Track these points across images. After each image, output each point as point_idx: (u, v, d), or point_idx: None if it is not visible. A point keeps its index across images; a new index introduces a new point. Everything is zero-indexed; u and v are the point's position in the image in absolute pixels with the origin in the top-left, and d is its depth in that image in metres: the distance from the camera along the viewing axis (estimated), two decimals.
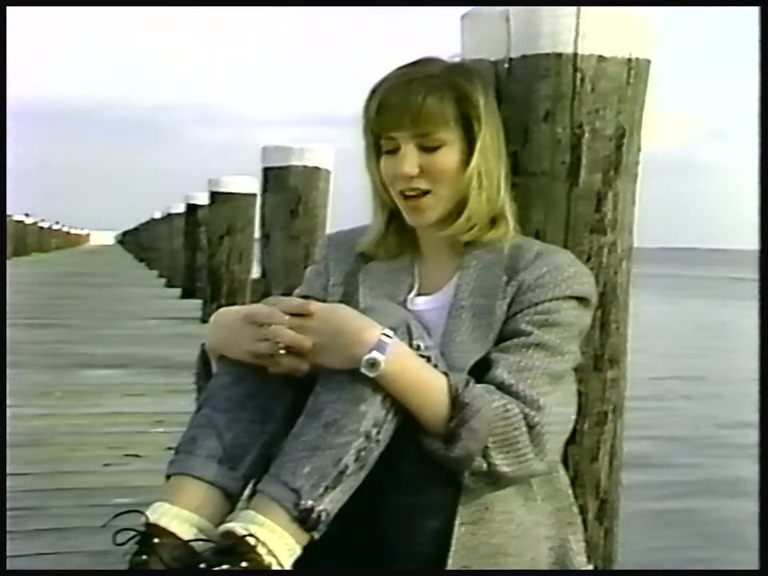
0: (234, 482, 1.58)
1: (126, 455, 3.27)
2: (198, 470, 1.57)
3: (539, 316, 1.65)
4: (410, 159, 1.70)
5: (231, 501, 1.58)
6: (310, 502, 1.48)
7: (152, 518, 1.52)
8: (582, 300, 1.70)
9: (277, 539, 1.46)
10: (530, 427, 1.58)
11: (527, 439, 1.58)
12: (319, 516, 1.48)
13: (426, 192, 1.72)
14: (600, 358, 1.88)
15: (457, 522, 1.58)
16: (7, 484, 2.57)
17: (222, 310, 1.71)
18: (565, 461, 1.80)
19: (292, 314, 1.57)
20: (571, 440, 1.84)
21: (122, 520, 1.52)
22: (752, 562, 1.71)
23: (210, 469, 1.57)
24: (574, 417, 1.71)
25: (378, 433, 1.53)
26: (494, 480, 1.59)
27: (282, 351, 1.56)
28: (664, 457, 6.97)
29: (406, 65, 1.75)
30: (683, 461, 6.95)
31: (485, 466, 1.56)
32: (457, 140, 1.71)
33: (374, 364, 1.51)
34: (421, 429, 1.56)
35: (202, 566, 1.45)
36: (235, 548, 1.45)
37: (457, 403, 1.54)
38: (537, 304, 1.66)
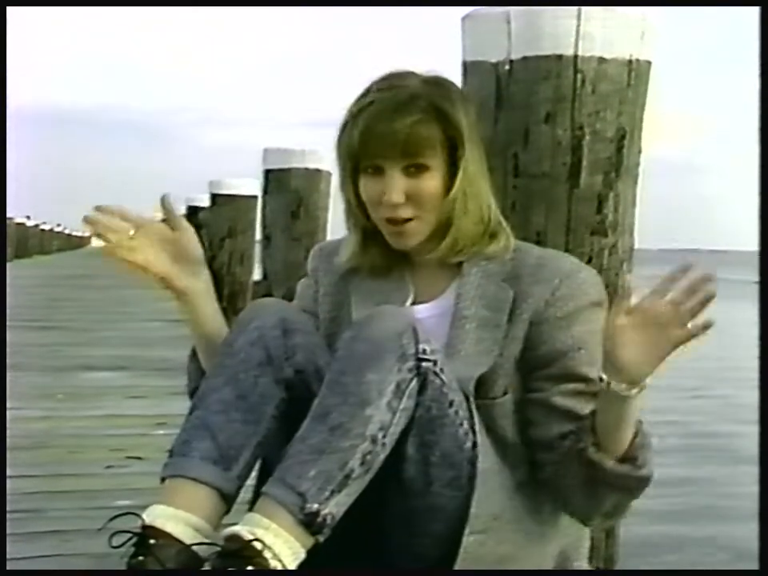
0: (229, 483, 1.58)
1: (128, 457, 3.27)
2: (193, 471, 1.57)
3: (584, 351, 1.64)
4: (397, 187, 1.66)
5: (227, 501, 1.59)
6: (315, 506, 1.47)
7: (147, 520, 1.52)
8: (599, 304, 1.69)
9: (282, 543, 1.46)
10: None
11: None
12: (324, 520, 1.48)
13: (411, 218, 1.68)
14: None
15: (466, 532, 1.57)
16: (8, 487, 2.57)
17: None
18: None
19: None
20: None
21: (121, 523, 1.53)
22: None
23: (205, 470, 1.57)
24: None
25: (384, 436, 1.52)
26: (622, 512, 1.66)
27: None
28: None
29: (379, 81, 1.70)
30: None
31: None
32: (441, 164, 1.67)
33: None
34: (600, 446, 1.57)
35: (208, 567, 1.46)
36: (241, 552, 1.45)
37: (641, 432, 1.59)
38: (563, 321, 1.64)
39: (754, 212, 1.89)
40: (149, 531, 1.52)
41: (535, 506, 1.67)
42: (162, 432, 3.69)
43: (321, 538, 1.49)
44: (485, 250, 1.71)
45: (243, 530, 1.47)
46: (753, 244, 1.93)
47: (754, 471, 1.87)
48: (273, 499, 1.49)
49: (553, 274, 1.67)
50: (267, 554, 1.44)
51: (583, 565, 1.75)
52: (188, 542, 1.52)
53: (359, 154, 1.68)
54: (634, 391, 1.51)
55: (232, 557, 1.45)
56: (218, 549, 1.48)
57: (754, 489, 1.83)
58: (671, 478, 5.97)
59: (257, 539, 1.45)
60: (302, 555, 1.49)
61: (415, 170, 1.66)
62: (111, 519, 1.55)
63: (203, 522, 1.54)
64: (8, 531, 2.28)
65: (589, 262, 1.83)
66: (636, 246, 1.95)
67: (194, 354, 1.78)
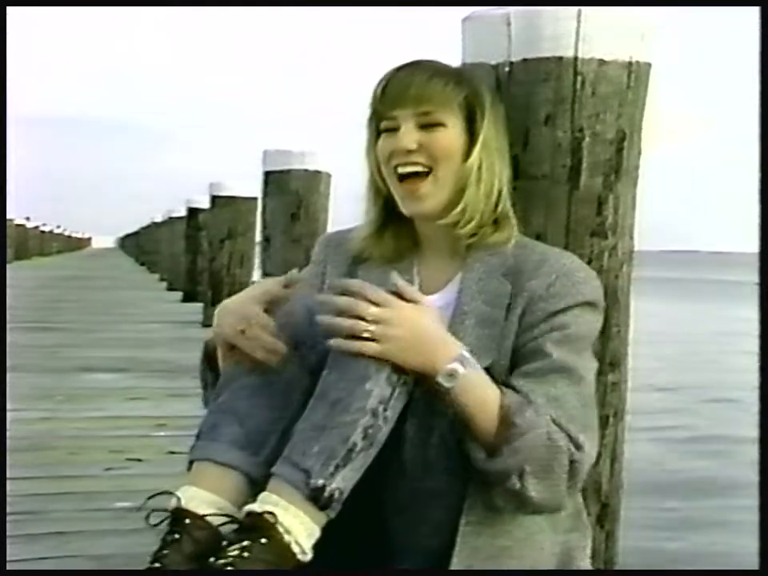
0: (257, 468, 1.60)
1: (128, 459, 3.27)
2: (221, 455, 1.60)
3: (557, 333, 1.64)
4: (409, 135, 1.70)
5: (254, 486, 1.60)
6: (321, 481, 1.50)
7: (183, 502, 1.55)
8: (592, 305, 1.70)
9: (292, 518, 1.49)
10: (572, 463, 1.59)
11: (565, 473, 1.59)
12: (332, 495, 1.50)
13: (426, 174, 1.71)
14: (601, 362, 1.88)
15: (463, 521, 1.59)
16: (8, 488, 2.57)
17: (226, 302, 1.72)
18: None
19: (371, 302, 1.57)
20: None
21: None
22: None
23: (233, 455, 1.60)
24: (597, 449, 1.71)
25: (385, 410, 1.54)
26: (521, 503, 1.59)
27: (365, 334, 1.54)
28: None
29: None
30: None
31: (517, 485, 1.57)
32: (458, 125, 1.71)
33: (452, 375, 1.54)
34: (469, 434, 1.58)
35: (224, 543, 1.48)
36: (254, 524, 1.48)
37: (506, 422, 1.56)
38: (551, 314, 1.65)
39: (755, 213, 1.89)
40: (182, 512, 1.55)
41: None
42: (161, 434, 3.70)
43: (331, 513, 1.51)
44: (487, 239, 1.72)
45: (255, 506, 1.50)
46: (753, 246, 1.93)
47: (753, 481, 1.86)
48: (280, 478, 1.52)
49: (551, 270, 1.68)
50: (280, 528, 1.47)
51: (587, 564, 1.74)
52: (215, 525, 1.54)
53: (379, 107, 1.73)
54: (443, 382, 1.54)
55: (246, 530, 1.48)
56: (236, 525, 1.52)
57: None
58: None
59: (267, 512, 1.48)
60: (316, 533, 1.51)
61: (430, 124, 1.70)
62: (149, 498, 1.58)
63: (231, 505, 1.57)
64: (8, 532, 2.28)
65: (589, 263, 1.83)
66: (636, 248, 1.95)
67: (208, 363, 1.77)
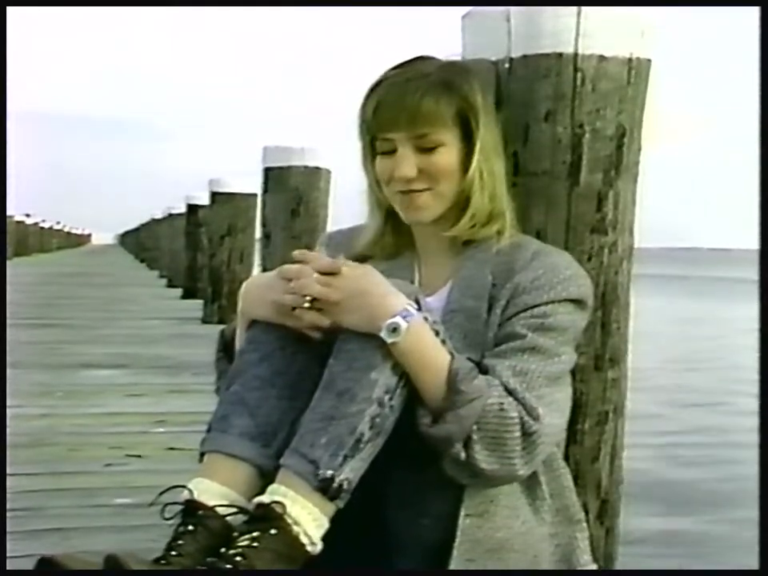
0: (268, 459, 1.61)
1: (127, 455, 3.27)
2: (232, 447, 1.61)
3: (534, 319, 1.65)
4: (407, 162, 1.70)
5: (265, 478, 1.60)
6: (329, 472, 1.51)
7: (195, 494, 1.56)
8: (577, 302, 1.70)
9: (300, 509, 1.50)
10: (526, 435, 1.58)
11: (518, 444, 1.57)
12: (341, 485, 1.52)
13: (425, 189, 1.71)
14: (601, 358, 1.88)
15: (462, 513, 1.60)
16: (7, 484, 2.57)
17: (253, 276, 1.73)
18: (566, 461, 1.80)
19: (323, 273, 1.59)
20: (572, 440, 1.84)
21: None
22: None
23: (244, 446, 1.61)
24: (565, 425, 1.72)
25: (391, 399, 1.55)
26: (473, 474, 1.58)
27: (306, 305, 1.58)
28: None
29: (401, 64, 1.75)
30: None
31: (463, 455, 1.55)
32: (454, 140, 1.71)
33: (395, 329, 1.54)
34: (419, 398, 1.58)
35: (235, 534, 1.50)
36: (264, 516, 1.49)
37: (452, 387, 1.55)
38: (532, 307, 1.66)
39: (755, 211, 1.89)
40: (194, 503, 1.56)
41: (535, 495, 1.68)
42: (161, 430, 3.70)
43: (340, 504, 1.52)
44: (477, 234, 1.73)
45: (264, 498, 1.51)
46: (753, 242, 1.93)
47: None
48: (289, 469, 1.53)
49: (539, 265, 1.69)
50: (288, 518, 1.48)
51: (588, 558, 1.74)
52: (227, 518, 1.55)
53: (372, 128, 1.73)
54: (386, 337, 1.54)
55: (256, 522, 1.50)
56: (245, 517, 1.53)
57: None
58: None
59: (276, 502, 1.49)
60: (325, 523, 1.52)
61: (427, 147, 1.69)
62: (161, 494, 1.60)
63: (242, 497, 1.58)
64: (8, 529, 2.29)
65: (589, 260, 1.83)
66: (636, 245, 1.95)
67: (224, 354, 1.79)
